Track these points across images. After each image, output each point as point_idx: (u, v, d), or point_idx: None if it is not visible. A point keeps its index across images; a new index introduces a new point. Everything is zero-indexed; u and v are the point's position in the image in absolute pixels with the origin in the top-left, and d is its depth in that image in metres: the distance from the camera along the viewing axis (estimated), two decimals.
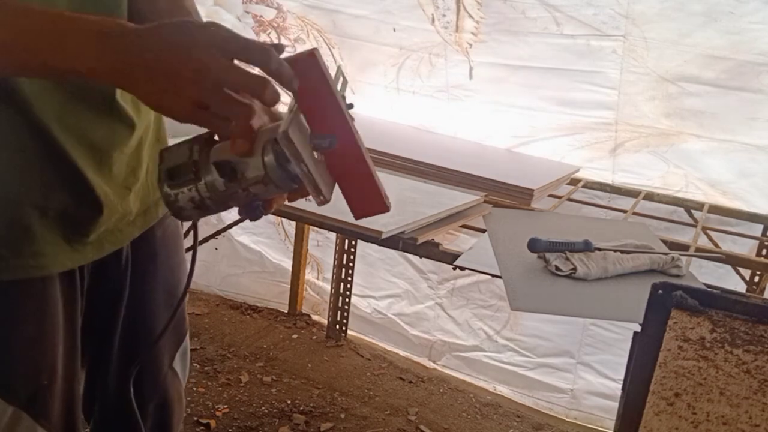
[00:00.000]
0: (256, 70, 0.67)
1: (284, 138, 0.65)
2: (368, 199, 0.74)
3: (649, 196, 1.97)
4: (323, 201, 0.69)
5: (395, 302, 2.64)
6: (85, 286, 0.88)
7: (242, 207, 0.72)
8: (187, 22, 0.64)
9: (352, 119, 0.71)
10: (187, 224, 1.07)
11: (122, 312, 0.95)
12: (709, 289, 0.94)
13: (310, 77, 0.68)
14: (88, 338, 0.91)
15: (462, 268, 1.31)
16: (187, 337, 1.10)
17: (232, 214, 2.61)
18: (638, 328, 0.70)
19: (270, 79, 0.65)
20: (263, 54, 0.64)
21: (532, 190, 1.65)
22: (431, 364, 2.62)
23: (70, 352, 0.86)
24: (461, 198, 1.54)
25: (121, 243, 0.90)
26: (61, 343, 0.84)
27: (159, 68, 0.62)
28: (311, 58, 0.68)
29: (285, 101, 0.70)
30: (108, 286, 0.92)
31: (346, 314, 2.70)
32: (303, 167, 0.66)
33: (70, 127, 0.77)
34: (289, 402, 2.28)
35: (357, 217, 0.74)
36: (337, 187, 0.74)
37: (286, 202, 0.77)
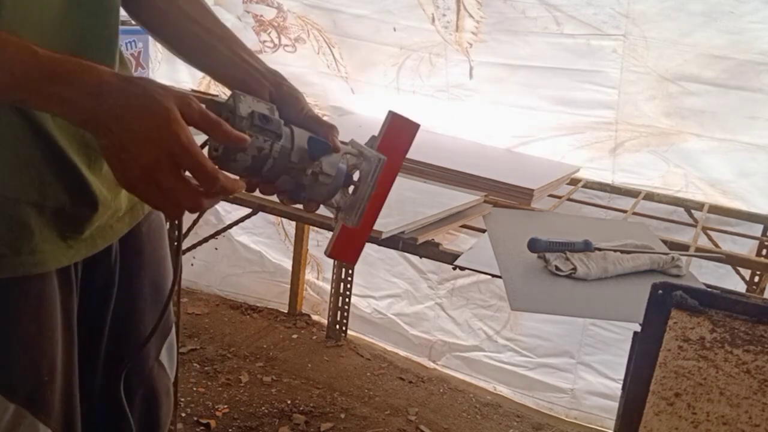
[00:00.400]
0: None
1: (382, 163, 0.79)
2: (350, 248, 0.84)
3: (649, 196, 1.97)
4: (355, 225, 0.81)
5: (395, 302, 2.64)
6: (79, 283, 0.88)
7: (287, 188, 0.79)
8: (154, 105, 0.65)
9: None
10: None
11: (111, 307, 0.96)
12: (709, 289, 0.94)
13: (400, 139, 0.82)
14: (78, 333, 0.91)
15: (462, 268, 1.31)
16: (173, 330, 1.11)
17: (232, 214, 2.62)
18: (638, 328, 0.70)
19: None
20: (207, 180, 0.68)
21: (532, 190, 1.65)
22: (431, 364, 2.62)
23: (67, 347, 0.87)
24: (461, 198, 1.54)
25: (112, 239, 0.91)
26: (59, 340, 0.85)
27: (120, 130, 0.64)
28: (414, 128, 0.83)
29: None
30: (98, 281, 0.93)
31: (346, 314, 2.70)
32: (369, 190, 0.79)
33: (66, 125, 0.78)
34: (289, 402, 2.28)
35: (329, 254, 0.83)
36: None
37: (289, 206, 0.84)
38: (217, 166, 0.72)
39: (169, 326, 1.10)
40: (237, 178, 0.73)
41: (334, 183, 0.79)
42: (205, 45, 0.91)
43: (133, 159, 0.65)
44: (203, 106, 0.69)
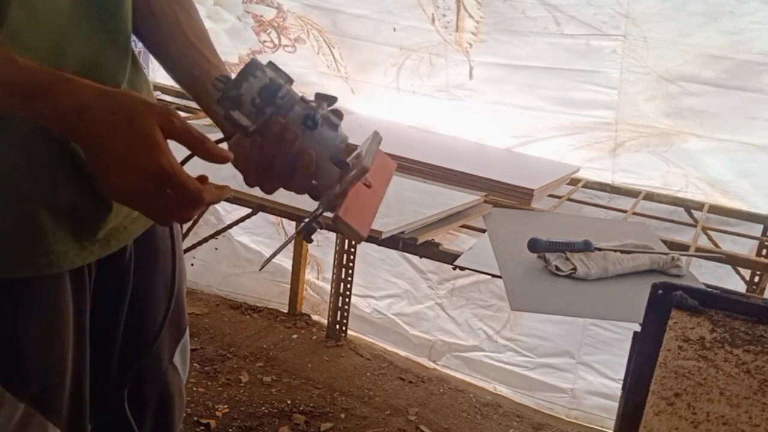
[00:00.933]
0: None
1: (379, 137, 0.83)
2: (360, 217, 0.83)
3: (649, 196, 1.97)
4: (369, 164, 0.78)
5: (395, 302, 2.64)
6: (92, 283, 0.88)
7: (299, 121, 0.77)
8: (134, 127, 0.65)
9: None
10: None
11: (125, 308, 0.96)
12: (709, 289, 0.94)
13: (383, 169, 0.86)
14: (91, 334, 0.91)
15: (462, 268, 1.31)
16: (187, 333, 1.11)
17: (232, 214, 2.62)
18: (638, 328, 0.70)
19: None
20: (192, 200, 0.68)
21: (532, 190, 1.65)
22: (431, 364, 2.62)
23: (79, 348, 0.87)
24: (461, 198, 1.54)
25: (126, 240, 0.90)
26: (71, 340, 0.85)
27: (101, 151, 0.65)
28: (392, 168, 0.90)
29: None
30: (112, 282, 0.93)
31: (346, 314, 2.70)
32: (372, 155, 0.80)
33: None
34: (289, 402, 2.28)
35: (338, 215, 0.80)
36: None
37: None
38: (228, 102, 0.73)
39: (183, 328, 1.09)
40: (223, 185, 0.73)
41: (339, 139, 0.79)
42: (206, 77, 0.89)
43: (116, 180, 0.66)
44: (186, 121, 0.70)
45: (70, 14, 0.75)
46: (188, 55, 0.90)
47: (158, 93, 2.32)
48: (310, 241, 0.84)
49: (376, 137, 0.81)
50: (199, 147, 0.70)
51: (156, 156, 0.65)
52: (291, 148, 0.76)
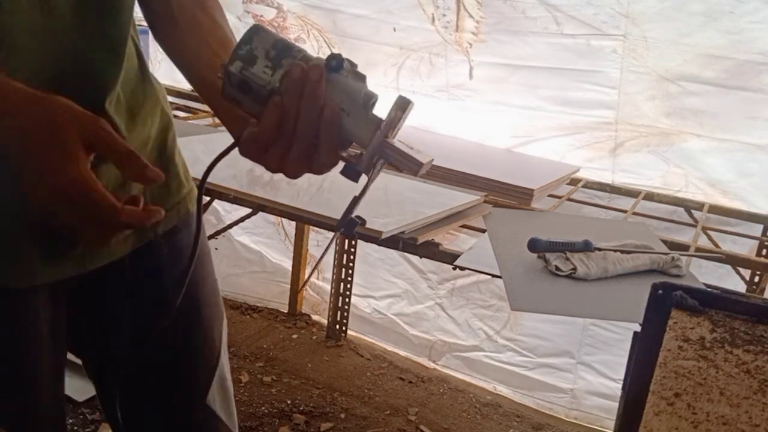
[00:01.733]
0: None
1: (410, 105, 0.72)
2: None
3: (649, 196, 1.97)
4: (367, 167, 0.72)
5: (395, 302, 2.64)
6: (65, 300, 0.84)
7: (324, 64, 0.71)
8: (50, 137, 0.60)
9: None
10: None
11: (122, 324, 0.91)
12: (709, 289, 0.94)
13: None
14: (90, 354, 0.90)
15: (462, 268, 1.31)
16: (226, 371, 1.00)
17: (232, 214, 2.62)
18: (638, 328, 0.70)
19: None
20: (107, 219, 0.63)
21: (532, 190, 1.65)
22: (431, 364, 2.62)
23: (54, 367, 0.83)
24: (461, 198, 1.54)
25: (105, 260, 0.84)
26: (46, 358, 0.81)
27: (16, 158, 0.61)
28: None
29: None
30: (107, 298, 0.89)
31: (346, 314, 2.70)
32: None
33: None
34: (289, 402, 2.28)
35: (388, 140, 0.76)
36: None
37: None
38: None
39: (214, 363, 0.99)
40: (154, 208, 0.66)
41: (367, 94, 0.70)
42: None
43: (30, 190, 0.62)
44: (115, 134, 0.64)
45: (60, 11, 0.71)
46: (204, 57, 0.84)
47: None
48: (353, 234, 0.78)
49: (403, 100, 0.70)
50: (125, 163, 0.64)
51: (70, 169, 0.60)
52: (316, 94, 0.67)
